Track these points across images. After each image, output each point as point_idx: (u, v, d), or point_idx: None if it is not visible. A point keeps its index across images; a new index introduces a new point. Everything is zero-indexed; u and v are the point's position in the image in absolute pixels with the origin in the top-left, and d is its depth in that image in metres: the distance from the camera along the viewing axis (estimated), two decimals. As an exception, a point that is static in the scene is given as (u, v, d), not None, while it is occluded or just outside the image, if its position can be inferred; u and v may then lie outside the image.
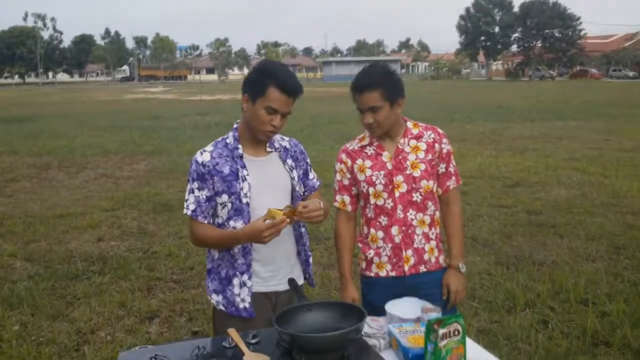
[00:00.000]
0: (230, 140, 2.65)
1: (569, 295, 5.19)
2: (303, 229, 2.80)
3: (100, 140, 17.47)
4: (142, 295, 5.52)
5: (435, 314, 2.48)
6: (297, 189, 2.72)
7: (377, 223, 2.92)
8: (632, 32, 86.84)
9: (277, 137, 2.74)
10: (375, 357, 2.17)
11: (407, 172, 2.85)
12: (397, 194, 2.86)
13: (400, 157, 2.87)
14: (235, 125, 2.69)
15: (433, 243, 2.94)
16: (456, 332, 2.22)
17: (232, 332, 2.23)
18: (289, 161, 2.73)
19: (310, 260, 2.86)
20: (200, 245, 2.77)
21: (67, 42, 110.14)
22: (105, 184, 11.13)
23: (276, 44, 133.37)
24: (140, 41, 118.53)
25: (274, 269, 2.69)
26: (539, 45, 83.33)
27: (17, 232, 7.73)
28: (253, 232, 2.44)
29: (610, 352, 4.22)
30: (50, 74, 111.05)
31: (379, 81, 2.74)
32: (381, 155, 2.89)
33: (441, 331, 2.18)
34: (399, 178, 2.86)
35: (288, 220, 2.44)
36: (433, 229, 2.94)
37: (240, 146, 2.63)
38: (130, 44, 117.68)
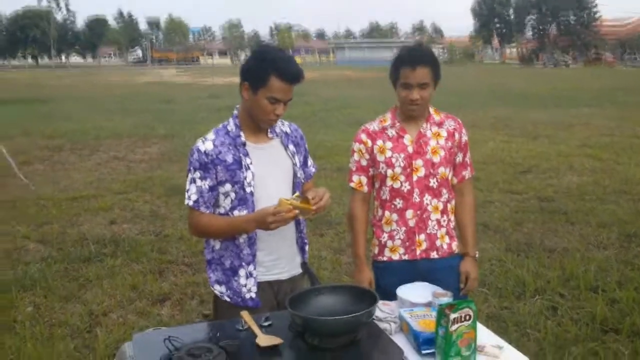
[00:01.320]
0: (231, 127, 2.60)
1: (579, 282, 5.19)
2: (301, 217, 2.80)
3: (112, 123, 17.52)
4: (153, 278, 5.57)
5: (446, 298, 2.49)
6: (299, 174, 2.70)
7: (392, 206, 2.92)
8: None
9: (278, 122, 2.69)
10: (387, 341, 2.19)
11: (427, 156, 2.87)
12: (415, 178, 2.87)
13: (421, 142, 2.88)
14: (235, 112, 2.64)
15: (444, 230, 2.96)
16: (467, 317, 2.24)
17: (245, 314, 2.25)
18: (291, 147, 2.71)
19: (307, 248, 2.83)
20: (202, 235, 2.72)
21: (80, 24, 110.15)
22: (118, 167, 11.19)
23: (289, 27, 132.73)
24: (152, 23, 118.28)
25: (277, 257, 2.68)
26: (554, 32, 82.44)
27: (30, 214, 7.80)
28: (260, 217, 2.44)
29: (619, 339, 4.23)
30: (63, 56, 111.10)
31: (430, 58, 2.80)
32: (403, 137, 2.89)
33: (452, 316, 2.20)
34: (419, 162, 2.86)
35: (297, 211, 2.42)
36: (445, 216, 2.95)
37: (242, 133, 2.58)
38: (143, 26, 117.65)
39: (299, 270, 2.73)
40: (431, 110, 2.93)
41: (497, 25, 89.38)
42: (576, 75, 45.68)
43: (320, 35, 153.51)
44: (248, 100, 2.52)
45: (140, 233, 6.96)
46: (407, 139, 2.88)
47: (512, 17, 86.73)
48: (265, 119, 2.52)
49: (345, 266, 5.77)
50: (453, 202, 3.01)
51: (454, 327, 2.20)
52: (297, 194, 2.54)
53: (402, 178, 2.88)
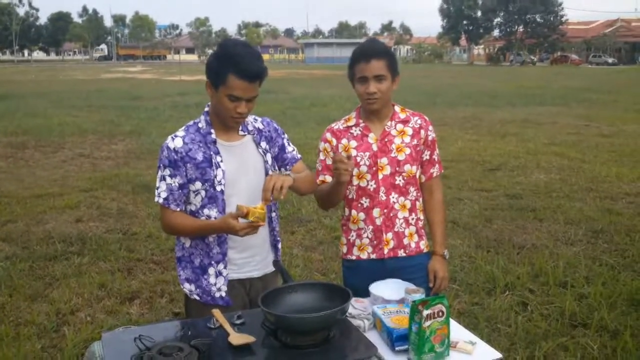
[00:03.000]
0: (202, 124, 2.55)
1: (548, 278, 5.25)
2: (274, 214, 2.75)
3: (77, 119, 17.24)
4: (122, 276, 5.48)
5: (418, 295, 2.49)
6: (271, 172, 2.65)
7: (359, 205, 2.91)
8: (613, 19, 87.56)
9: (250, 118, 2.66)
10: (360, 338, 2.17)
11: (392, 154, 2.85)
12: (380, 176, 2.85)
13: (386, 140, 2.85)
14: (206, 109, 2.59)
15: (413, 228, 2.94)
16: (440, 313, 2.23)
17: (217, 312, 2.22)
18: (263, 144, 2.66)
19: (279, 245, 2.80)
20: (173, 233, 2.69)
21: (43, 19, 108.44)
22: (83, 164, 11.01)
23: (257, 25, 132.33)
24: (118, 19, 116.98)
25: (249, 255, 2.65)
26: (521, 30, 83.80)
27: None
28: (229, 229, 2.42)
29: (588, 334, 4.28)
30: (26, 52, 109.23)
31: (385, 51, 2.78)
32: (367, 136, 2.87)
33: (425, 312, 2.19)
34: (384, 160, 2.85)
35: (262, 223, 2.39)
36: (413, 214, 2.94)
37: (213, 131, 2.54)
38: (108, 23, 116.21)
39: (272, 268, 2.70)
40: (397, 108, 2.92)
41: (465, 26, 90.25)
42: (543, 74, 46.40)
43: (289, 33, 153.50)
44: (212, 97, 2.49)
45: (108, 231, 6.85)
46: (372, 137, 2.86)
47: (479, 15, 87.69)
48: (227, 116, 2.47)
49: (317, 263, 5.76)
50: (421, 200, 2.99)
51: (427, 324, 2.20)
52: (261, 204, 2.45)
53: (368, 177, 2.86)
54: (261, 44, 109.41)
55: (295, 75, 44.08)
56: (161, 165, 2.52)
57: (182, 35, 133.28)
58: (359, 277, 2.89)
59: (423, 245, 2.98)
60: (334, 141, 2.91)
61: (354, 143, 2.88)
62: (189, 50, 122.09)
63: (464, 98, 24.42)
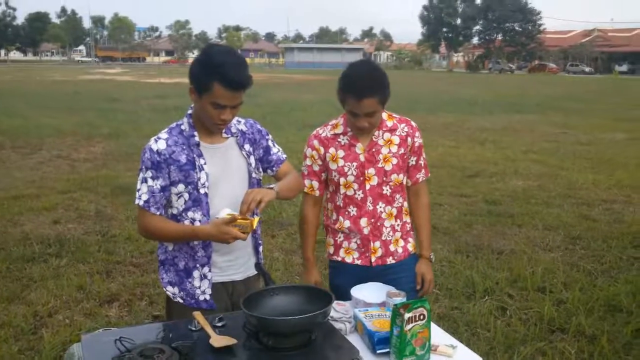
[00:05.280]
0: (185, 127, 2.52)
1: (527, 283, 5.29)
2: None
3: (55, 121, 17.05)
4: (101, 278, 5.43)
5: (400, 298, 2.50)
6: (254, 175, 2.64)
7: (346, 212, 2.91)
8: (589, 29, 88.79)
9: (234, 120, 2.63)
10: (342, 341, 2.17)
11: (379, 165, 2.84)
12: (367, 187, 2.85)
13: (373, 150, 2.84)
14: (189, 111, 2.56)
15: (398, 234, 2.95)
16: (421, 317, 2.24)
17: (198, 315, 2.20)
18: (247, 146, 2.64)
19: (261, 248, 2.78)
20: (151, 238, 2.64)
21: (20, 19, 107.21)
22: (61, 166, 10.89)
23: (238, 28, 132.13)
24: (97, 21, 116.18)
25: (232, 259, 2.63)
26: (500, 38, 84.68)
27: (-31, 213, 7.51)
28: (221, 235, 2.38)
29: (565, 339, 4.33)
30: (3, 52, 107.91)
31: (379, 88, 2.68)
32: (355, 146, 2.85)
33: (407, 315, 2.20)
34: (371, 171, 2.85)
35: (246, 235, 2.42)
36: (399, 220, 2.95)
37: (196, 133, 2.51)
38: (87, 24, 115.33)
39: (254, 271, 2.69)
40: (384, 115, 2.88)
41: (445, 33, 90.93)
42: (521, 82, 46.86)
43: (270, 37, 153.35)
44: (195, 102, 2.46)
45: (86, 233, 6.78)
46: (359, 148, 2.85)
47: (459, 23, 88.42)
48: (211, 122, 2.45)
49: (298, 267, 5.75)
50: (406, 204, 3.00)
51: (408, 327, 2.20)
52: (231, 213, 2.43)
53: (356, 186, 2.86)
54: (242, 47, 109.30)
55: (276, 79, 44.05)
56: (143, 167, 2.48)
57: (161, 37, 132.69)
58: (344, 278, 2.91)
59: (410, 247, 3.00)
60: (322, 149, 2.89)
61: (341, 153, 2.87)
62: (169, 53, 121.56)
63: (444, 105, 24.58)
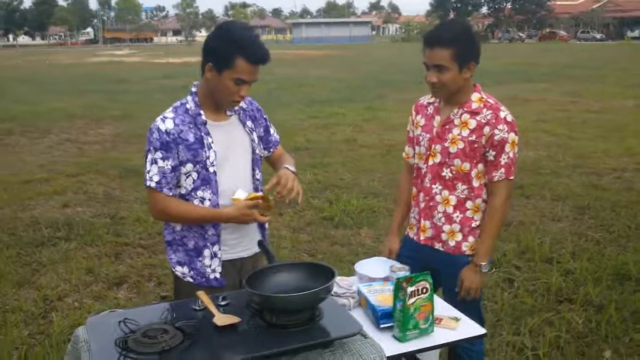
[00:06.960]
0: (190, 105, 2.51)
1: (534, 254, 5.29)
2: (260, 194, 2.75)
3: (64, 104, 17.07)
4: (109, 261, 5.47)
5: (403, 272, 2.50)
6: (257, 151, 2.66)
7: (416, 183, 2.91)
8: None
9: None
10: (345, 316, 2.18)
11: (446, 144, 2.71)
12: (430, 162, 2.77)
13: (446, 127, 2.72)
14: (193, 89, 2.54)
15: (456, 227, 2.76)
16: (424, 290, 2.25)
17: (202, 294, 2.22)
18: (249, 123, 2.66)
19: (267, 225, 2.80)
20: (165, 219, 2.62)
21: (28, 3, 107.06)
22: (70, 150, 10.94)
23: (244, 5, 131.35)
24: (104, 2, 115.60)
25: (240, 236, 2.65)
26: (509, 7, 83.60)
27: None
28: (244, 217, 2.47)
29: (573, 309, 4.33)
30: (11, 36, 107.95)
31: (452, 39, 2.55)
32: (434, 118, 2.78)
33: (409, 289, 2.21)
34: (437, 147, 2.74)
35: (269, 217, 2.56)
36: (458, 212, 2.75)
37: (202, 112, 2.50)
38: (93, 5, 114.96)
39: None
40: (474, 96, 2.69)
41: (454, 3, 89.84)
42: (531, 51, 46.30)
43: (277, 13, 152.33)
44: (211, 80, 2.43)
45: (95, 216, 6.82)
46: (437, 121, 2.74)
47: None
48: (229, 99, 2.46)
49: (305, 244, 5.77)
50: (478, 201, 2.76)
51: (411, 300, 2.22)
52: (253, 194, 2.53)
53: (423, 159, 2.82)
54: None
55: (283, 55, 43.73)
56: (151, 148, 2.47)
57: (168, 17, 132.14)
58: (403, 249, 2.97)
59: (465, 247, 2.78)
60: (414, 114, 2.91)
61: (422, 121, 2.84)
62: (176, 32, 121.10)
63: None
